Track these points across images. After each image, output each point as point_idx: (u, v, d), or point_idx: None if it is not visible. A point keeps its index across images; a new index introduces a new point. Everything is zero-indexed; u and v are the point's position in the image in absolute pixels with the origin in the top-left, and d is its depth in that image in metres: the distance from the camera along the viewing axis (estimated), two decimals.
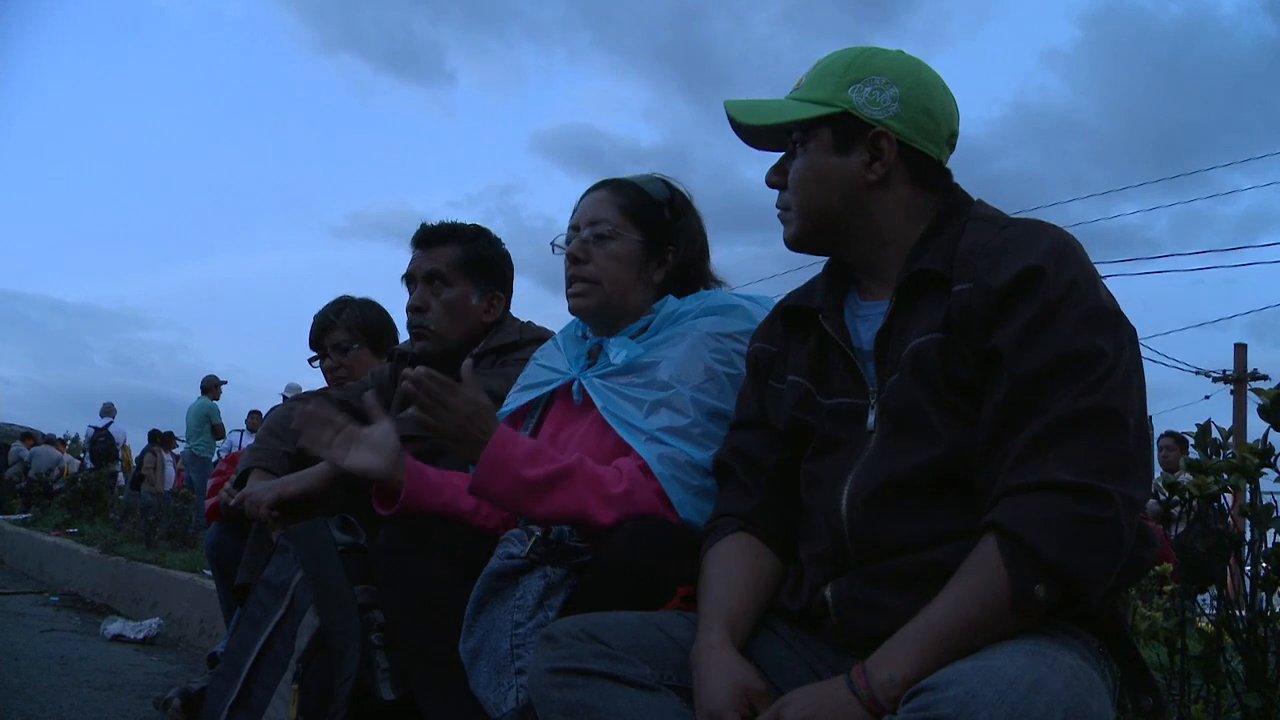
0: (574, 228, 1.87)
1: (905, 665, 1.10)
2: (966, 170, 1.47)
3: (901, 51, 1.45)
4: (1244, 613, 1.80)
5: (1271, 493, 1.83)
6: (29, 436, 16.65)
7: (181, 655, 4.21)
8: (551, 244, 1.92)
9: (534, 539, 1.56)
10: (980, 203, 1.41)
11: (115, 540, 6.98)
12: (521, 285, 2.48)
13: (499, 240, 2.43)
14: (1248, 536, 1.85)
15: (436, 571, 1.67)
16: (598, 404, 1.73)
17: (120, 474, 13.76)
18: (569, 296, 1.85)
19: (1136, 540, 1.17)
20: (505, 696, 1.48)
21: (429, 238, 2.36)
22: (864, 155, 1.38)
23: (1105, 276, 1.26)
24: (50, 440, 17.37)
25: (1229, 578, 1.86)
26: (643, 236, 1.84)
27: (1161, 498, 2.08)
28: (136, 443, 15.86)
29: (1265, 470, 1.78)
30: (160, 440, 15.32)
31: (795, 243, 1.46)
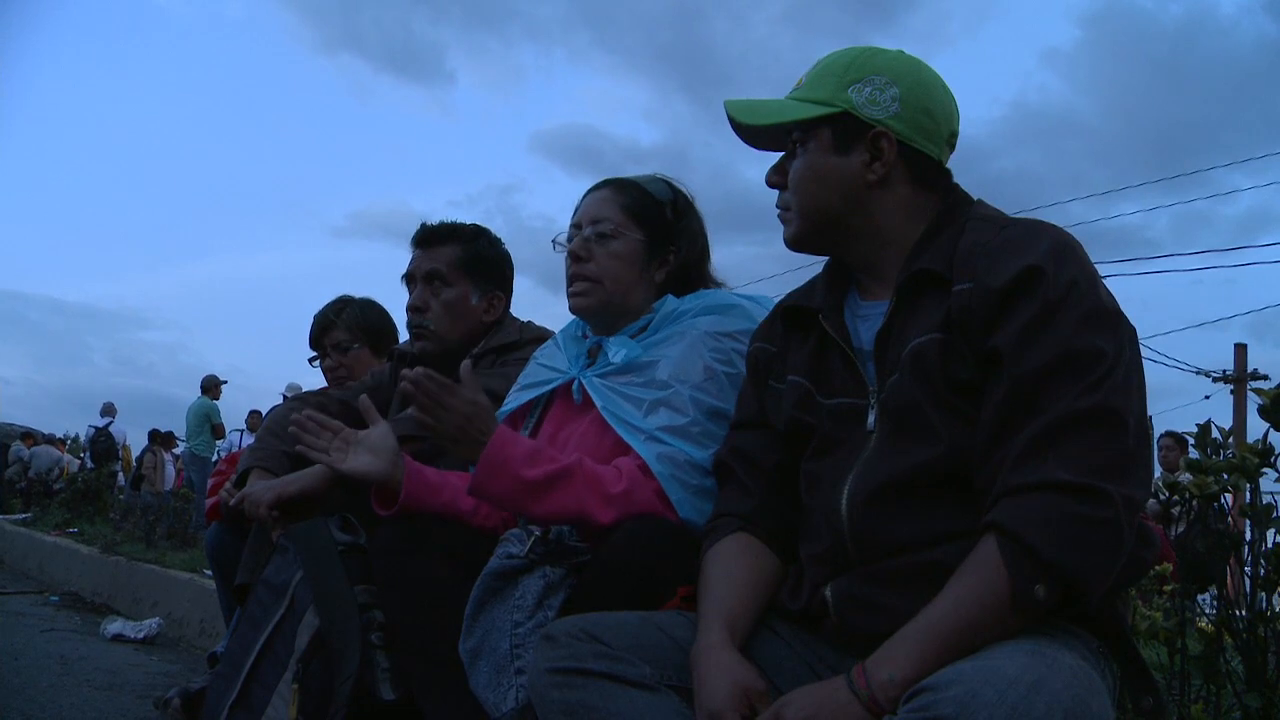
0: (576, 226, 1.87)
1: (905, 665, 1.10)
2: (966, 170, 1.47)
3: (901, 51, 1.44)
4: (1244, 613, 1.80)
5: (1271, 493, 1.83)
6: (29, 436, 16.65)
7: (181, 655, 4.21)
8: (553, 241, 1.93)
9: (533, 539, 1.56)
10: (980, 202, 1.41)
11: (115, 540, 6.98)
12: (521, 285, 2.48)
13: (499, 240, 2.43)
14: (1248, 536, 1.85)
15: (436, 571, 1.67)
16: (597, 403, 1.73)
17: (120, 474, 13.76)
18: (570, 295, 1.85)
19: (1136, 540, 1.17)
20: (505, 696, 1.48)
21: (429, 238, 2.36)
22: (864, 155, 1.38)
23: (1105, 276, 1.26)
24: (50, 440, 17.37)
25: (1229, 578, 1.86)
26: (645, 236, 1.85)
27: (1161, 498, 2.08)
28: (136, 443, 15.89)
29: (1265, 470, 1.78)
30: (160, 440, 15.32)
31: (795, 243, 1.46)
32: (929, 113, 1.39)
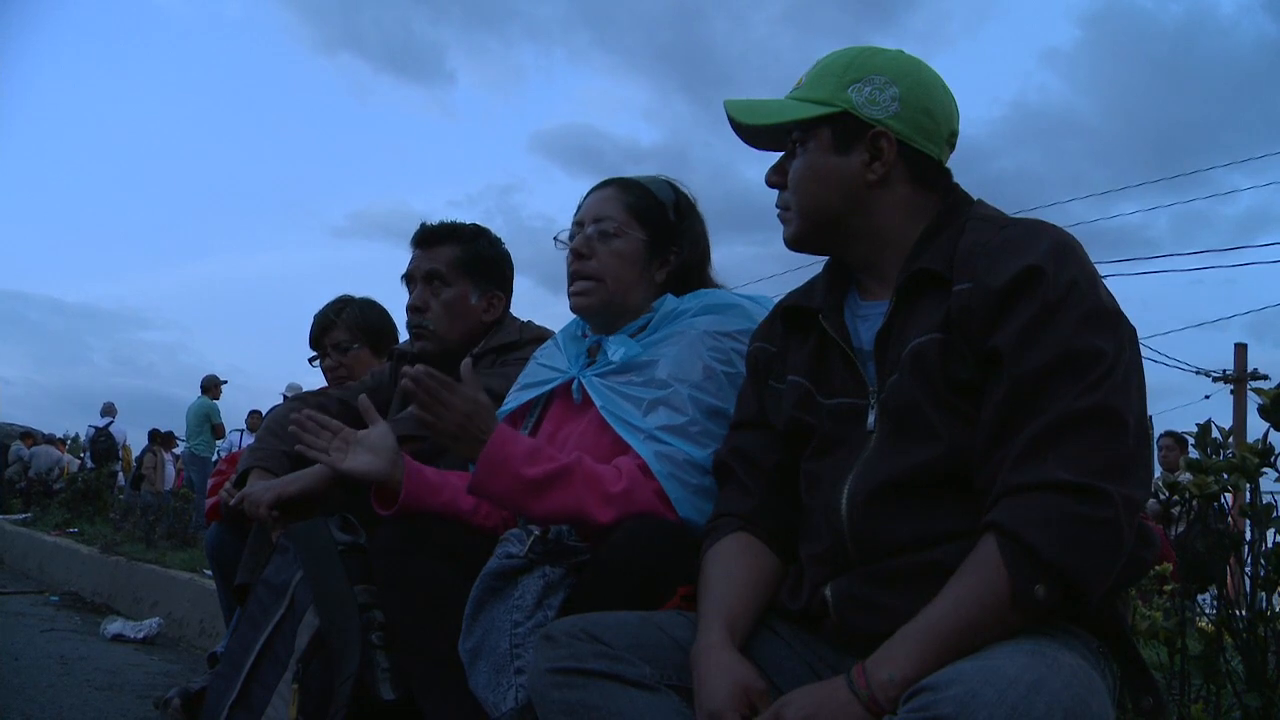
0: (578, 224, 1.88)
1: (905, 665, 1.10)
2: (966, 170, 1.47)
3: (901, 51, 1.44)
4: (1244, 612, 1.80)
5: (1271, 492, 1.83)
6: (28, 436, 16.65)
7: (181, 655, 4.20)
8: (554, 239, 1.93)
9: (533, 538, 1.56)
10: (980, 202, 1.41)
11: (115, 540, 6.98)
12: (521, 285, 2.48)
13: (498, 240, 2.43)
14: (1248, 536, 1.85)
15: (436, 571, 1.67)
16: (596, 403, 1.73)
17: (120, 474, 13.76)
18: (571, 293, 1.85)
19: (1136, 540, 1.17)
20: (505, 696, 1.48)
21: (428, 238, 2.36)
22: (864, 155, 1.38)
23: (1104, 276, 1.26)
24: (50, 440, 17.38)
25: (1229, 577, 1.86)
26: (647, 236, 1.85)
27: (1161, 497, 2.08)
28: (136, 442, 15.89)
29: (1265, 470, 1.78)
30: (160, 440, 15.32)
31: (795, 242, 1.46)
32: (929, 112, 1.39)
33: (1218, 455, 1.87)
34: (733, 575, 1.39)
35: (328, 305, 3.02)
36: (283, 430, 2.21)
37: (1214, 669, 1.77)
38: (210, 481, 2.98)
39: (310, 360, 3.02)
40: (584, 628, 1.30)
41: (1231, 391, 18.21)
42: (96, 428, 14.70)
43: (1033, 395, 1.17)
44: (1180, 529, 1.97)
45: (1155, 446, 1.37)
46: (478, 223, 2.42)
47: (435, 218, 2.42)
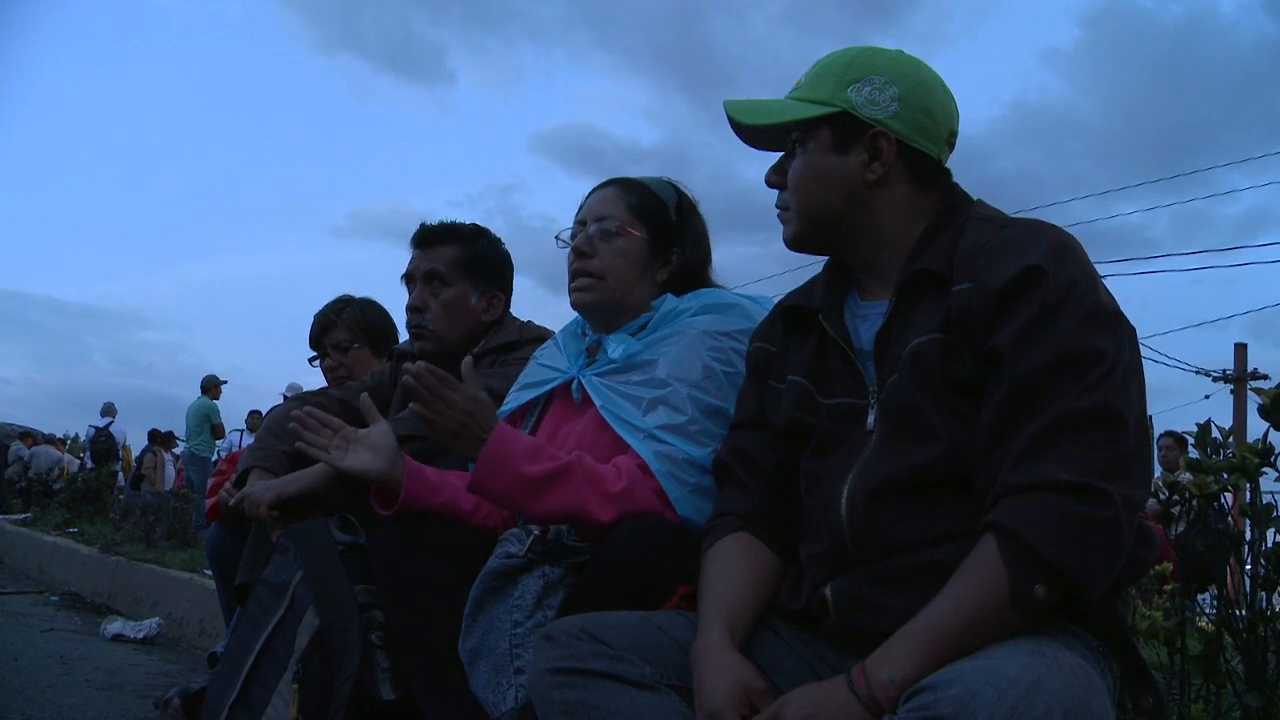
0: (580, 223, 1.88)
1: (905, 665, 1.10)
2: (966, 169, 1.47)
3: (901, 51, 1.44)
4: (1244, 612, 1.80)
5: (1271, 492, 1.83)
6: (28, 435, 16.65)
7: (181, 655, 4.20)
8: (556, 237, 1.93)
9: (532, 538, 1.56)
10: (980, 202, 1.41)
11: (115, 540, 6.98)
12: (522, 285, 2.48)
13: (498, 240, 2.43)
14: (1248, 536, 1.85)
15: (436, 571, 1.67)
16: (596, 402, 1.73)
17: (120, 474, 13.76)
18: (572, 290, 1.85)
19: (1136, 540, 1.17)
20: (504, 696, 1.48)
21: (428, 238, 2.36)
22: (863, 155, 1.38)
23: (1104, 276, 1.26)
24: (50, 440, 17.38)
25: (1229, 577, 1.86)
26: (649, 235, 1.85)
27: (1161, 497, 2.08)
28: (136, 442, 15.89)
29: (1265, 470, 1.78)
30: (160, 440, 15.32)
31: (795, 242, 1.46)
32: (928, 112, 1.39)
33: (1218, 455, 1.87)
34: (732, 575, 1.39)
35: (328, 305, 3.02)
36: (283, 430, 2.22)
37: (1214, 669, 1.77)
38: (210, 481, 2.98)
39: (310, 360, 3.02)
40: (584, 627, 1.30)
41: (1231, 391, 18.22)
42: (96, 428, 14.70)
43: (1033, 395, 1.17)
44: (1180, 529, 1.97)
45: (1155, 446, 1.37)
46: (477, 223, 2.43)
47: (435, 218, 2.43)
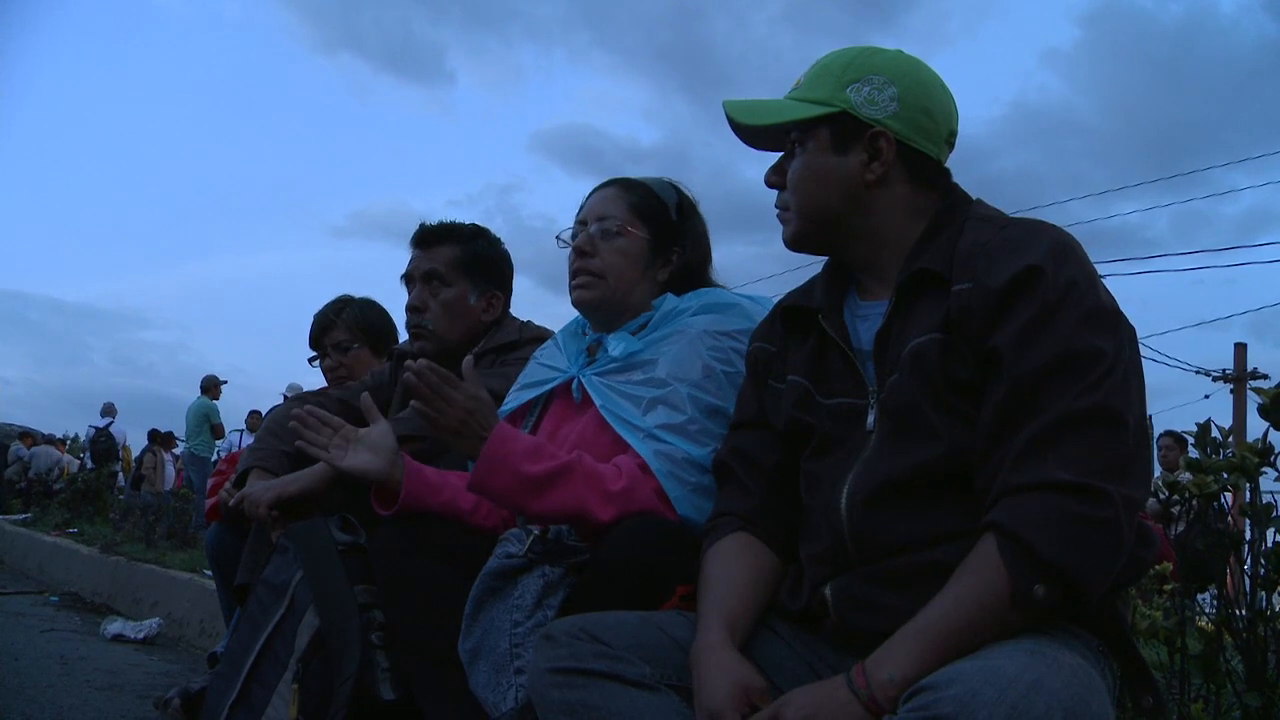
0: (581, 222, 1.88)
1: (905, 664, 1.10)
2: (966, 169, 1.47)
3: (900, 51, 1.44)
4: (1244, 612, 1.80)
5: (1271, 492, 1.83)
6: (27, 435, 16.65)
7: (181, 655, 4.21)
8: (557, 237, 1.93)
9: (532, 538, 1.56)
10: (979, 202, 1.41)
11: (115, 540, 6.98)
12: (521, 285, 2.48)
13: (498, 240, 2.43)
14: (1247, 535, 1.85)
15: (436, 571, 1.67)
16: (596, 402, 1.73)
17: (120, 474, 13.76)
18: (572, 289, 1.85)
19: (1136, 540, 1.17)
20: (504, 696, 1.48)
21: (427, 238, 2.36)
22: (862, 155, 1.38)
23: (1104, 276, 1.27)
24: (50, 440, 17.38)
25: (1229, 577, 1.86)
26: (650, 235, 1.86)
27: (1161, 497, 2.08)
28: (136, 443, 15.89)
29: (1265, 469, 1.78)
30: (160, 440, 15.33)
31: (794, 242, 1.46)
32: (928, 112, 1.39)
33: (1217, 455, 1.87)
34: (732, 575, 1.39)
35: (328, 305, 3.02)
36: (282, 430, 2.22)
37: (1214, 668, 1.77)
38: (210, 481, 2.98)
39: (310, 360, 3.02)
40: (584, 627, 1.30)
41: (1231, 391, 18.22)
42: (96, 428, 14.70)
43: (1032, 395, 1.17)
44: (1180, 528, 1.97)
45: (1155, 446, 1.37)
46: (477, 223, 2.43)
47: (435, 217, 2.43)
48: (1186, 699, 1.82)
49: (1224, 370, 18.78)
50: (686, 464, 1.61)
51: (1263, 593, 1.78)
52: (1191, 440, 1.93)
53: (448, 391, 1.59)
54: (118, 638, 4.42)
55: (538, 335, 2.29)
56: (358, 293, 3.07)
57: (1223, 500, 1.86)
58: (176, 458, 15.09)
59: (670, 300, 1.82)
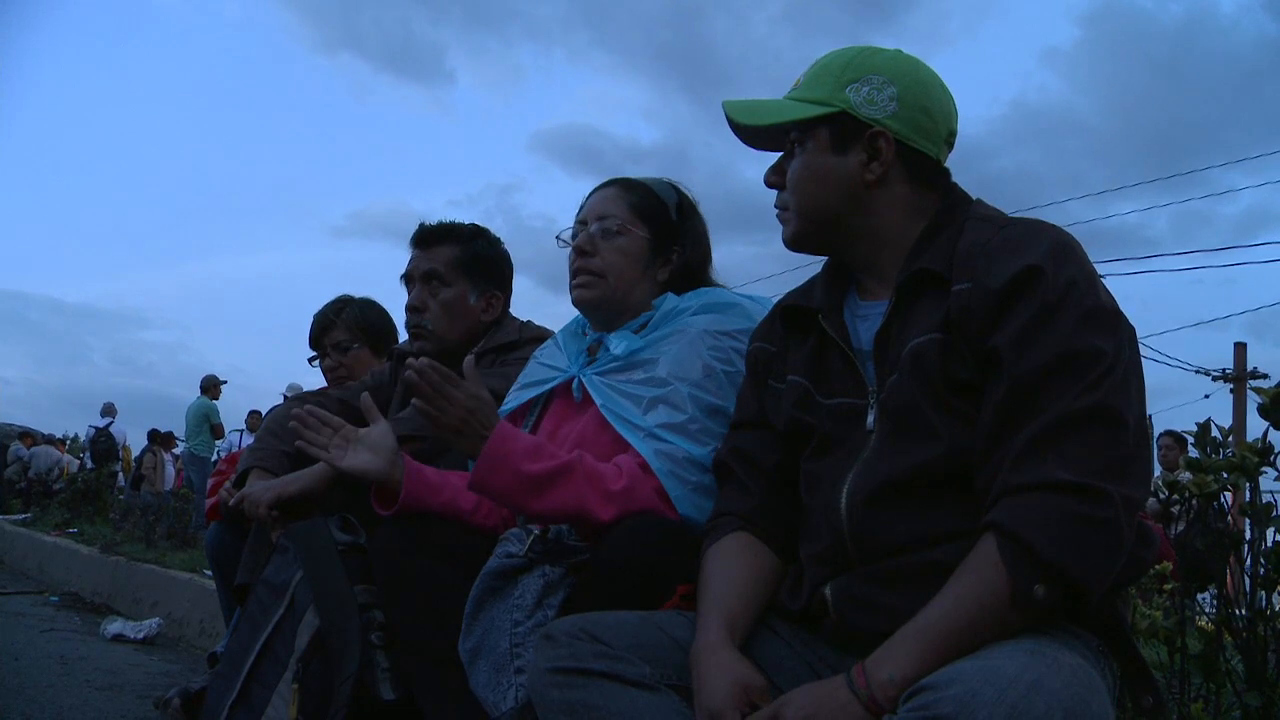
0: (581, 222, 1.88)
1: (905, 664, 1.10)
2: (966, 169, 1.47)
3: (899, 51, 1.44)
4: (1244, 611, 1.80)
5: (1271, 491, 1.83)
6: (27, 435, 16.65)
7: (181, 655, 4.21)
8: (557, 237, 1.94)
9: (532, 538, 1.56)
10: (979, 202, 1.41)
11: (115, 540, 6.98)
12: (521, 285, 2.48)
13: (498, 240, 2.43)
14: (1247, 535, 1.85)
15: (436, 571, 1.67)
16: (596, 401, 1.73)
17: (120, 474, 13.76)
18: (573, 289, 1.85)
19: (1136, 539, 1.17)
20: (504, 695, 1.48)
21: (427, 238, 2.36)
22: (862, 155, 1.38)
23: (1103, 276, 1.26)
24: (50, 440, 17.38)
25: (1229, 576, 1.86)
26: (650, 235, 1.86)
27: (1161, 496, 2.08)
28: (136, 443, 15.89)
29: (1265, 469, 1.78)
30: (160, 440, 15.33)
31: (794, 242, 1.46)
32: (927, 112, 1.39)
33: (1217, 454, 1.87)
34: (732, 574, 1.39)
35: (328, 305, 3.02)
36: (282, 430, 2.22)
37: (1214, 668, 1.77)
38: (210, 481, 2.98)
39: (310, 360, 3.02)
40: (584, 627, 1.30)
41: (1231, 390, 18.22)
42: (96, 428, 14.70)
43: (1032, 395, 1.17)
44: (1180, 528, 1.97)
45: (1155, 446, 1.37)
46: (477, 223, 2.43)
47: (435, 217, 2.43)
48: (1186, 699, 1.82)
49: (1224, 370, 18.78)
50: (687, 463, 1.61)
51: (1263, 592, 1.78)
52: (1191, 440, 1.93)
53: (449, 390, 1.59)
54: (118, 638, 4.42)
55: (538, 335, 2.29)
56: (358, 293, 3.08)
57: (1223, 500, 1.86)
58: (176, 458, 15.09)
59: (671, 300, 1.82)
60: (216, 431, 12.84)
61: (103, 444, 14.26)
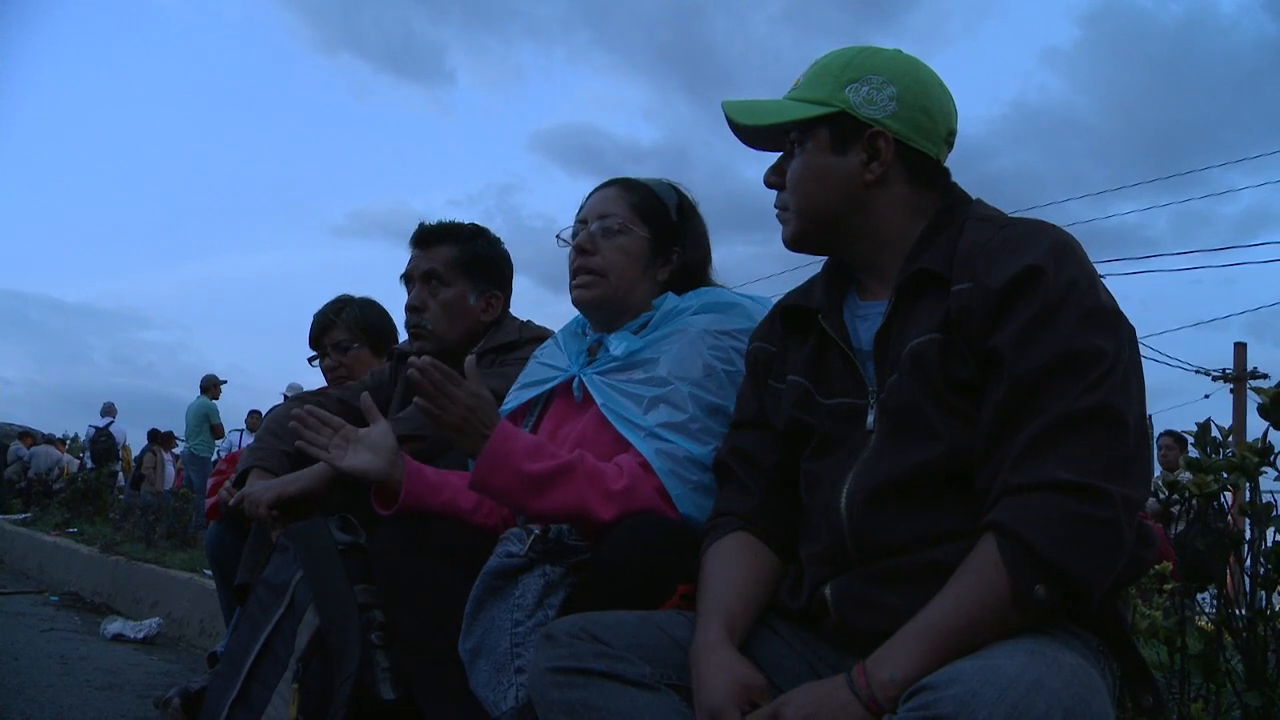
0: (582, 221, 1.89)
1: (905, 664, 1.10)
2: (966, 169, 1.47)
3: (899, 50, 1.44)
4: (1244, 611, 1.80)
5: (1271, 491, 1.83)
6: (27, 435, 16.65)
7: (181, 655, 4.20)
8: (557, 236, 1.94)
9: (533, 537, 1.56)
10: (979, 202, 1.41)
11: (115, 540, 6.98)
12: (521, 284, 2.48)
13: (497, 240, 2.43)
14: (1247, 535, 1.85)
15: (436, 571, 1.67)
16: (597, 400, 1.73)
17: (120, 474, 13.76)
18: (573, 288, 1.85)
19: (1136, 539, 1.17)
20: (505, 695, 1.48)
21: (426, 237, 2.36)
22: (861, 155, 1.38)
23: (1103, 276, 1.26)
24: (50, 440, 17.38)
25: (1229, 576, 1.86)
26: (650, 234, 1.86)
27: (1161, 496, 2.08)
28: (136, 442, 15.89)
29: (1265, 469, 1.78)
30: (160, 440, 15.33)
31: (794, 242, 1.46)
32: (927, 111, 1.39)
33: (1217, 454, 1.87)
34: (732, 574, 1.39)
35: (327, 305, 3.02)
36: (282, 430, 2.22)
37: (1214, 668, 1.77)
38: (210, 481, 2.98)
39: (310, 360, 3.02)
40: (584, 627, 1.30)
41: (1231, 390, 18.21)
42: (97, 428, 14.70)
43: (1033, 395, 1.17)
44: (1180, 528, 1.97)
45: (1155, 446, 1.37)
46: (477, 222, 2.42)
47: (435, 217, 2.43)
48: (1186, 699, 1.82)
49: (1224, 370, 18.77)
50: (688, 462, 1.61)
51: (1263, 592, 1.78)
52: (1191, 440, 1.93)
53: (451, 389, 1.59)
54: (118, 637, 4.42)
55: (537, 335, 2.29)
56: (358, 293, 3.08)
57: (1223, 500, 1.86)
58: (176, 457, 15.09)
59: (671, 299, 1.82)
60: (216, 431, 12.84)
61: (103, 444, 14.26)
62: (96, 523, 9.02)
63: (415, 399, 1.60)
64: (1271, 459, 1.77)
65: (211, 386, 13.14)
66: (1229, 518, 1.88)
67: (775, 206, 1.49)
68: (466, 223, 2.42)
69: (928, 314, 1.29)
